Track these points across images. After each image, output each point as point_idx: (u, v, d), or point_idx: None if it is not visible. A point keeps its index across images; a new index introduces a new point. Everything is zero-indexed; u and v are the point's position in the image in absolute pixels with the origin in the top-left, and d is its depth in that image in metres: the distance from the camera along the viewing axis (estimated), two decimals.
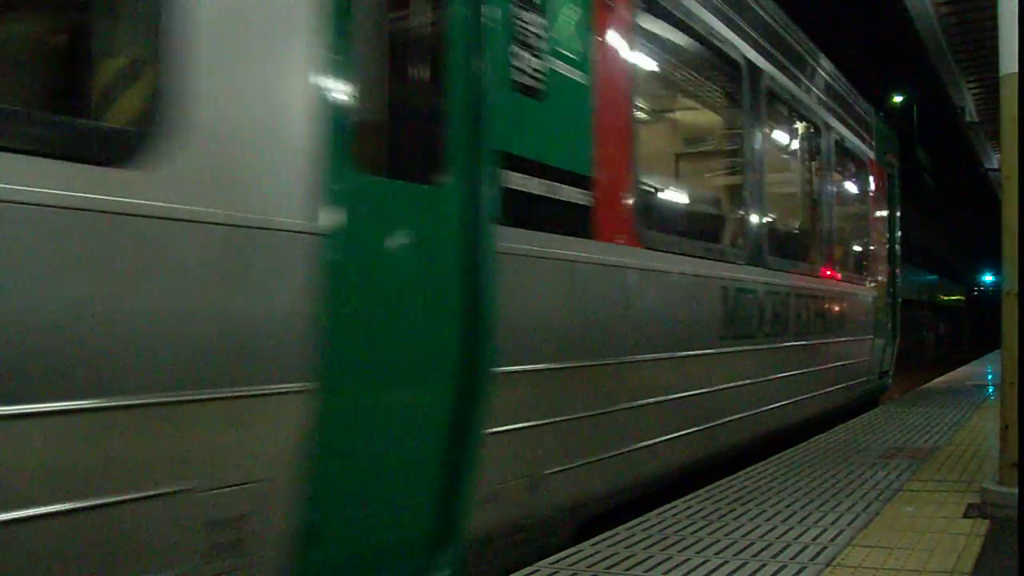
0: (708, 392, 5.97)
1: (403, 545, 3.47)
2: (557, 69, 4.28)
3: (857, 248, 11.04)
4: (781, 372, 7.52)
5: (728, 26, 6.56)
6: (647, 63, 5.63)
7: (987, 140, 19.34)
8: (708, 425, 6.00)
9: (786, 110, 8.29)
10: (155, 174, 2.48)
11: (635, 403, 4.94)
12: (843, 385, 9.75)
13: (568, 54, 4.37)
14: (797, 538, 4.09)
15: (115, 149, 2.43)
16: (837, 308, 9.49)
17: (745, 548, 3.93)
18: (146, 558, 2.49)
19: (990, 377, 13.81)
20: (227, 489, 2.69)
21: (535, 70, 4.10)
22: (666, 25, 5.74)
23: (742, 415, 6.62)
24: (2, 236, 2.17)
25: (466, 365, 3.66)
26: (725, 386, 6.30)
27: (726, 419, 6.33)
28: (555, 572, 3.61)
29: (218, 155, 2.67)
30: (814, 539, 4.06)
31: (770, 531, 4.23)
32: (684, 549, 3.93)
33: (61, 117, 2.48)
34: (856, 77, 11.00)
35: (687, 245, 5.81)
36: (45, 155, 2.25)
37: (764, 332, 7.05)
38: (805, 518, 4.49)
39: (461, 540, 3.64)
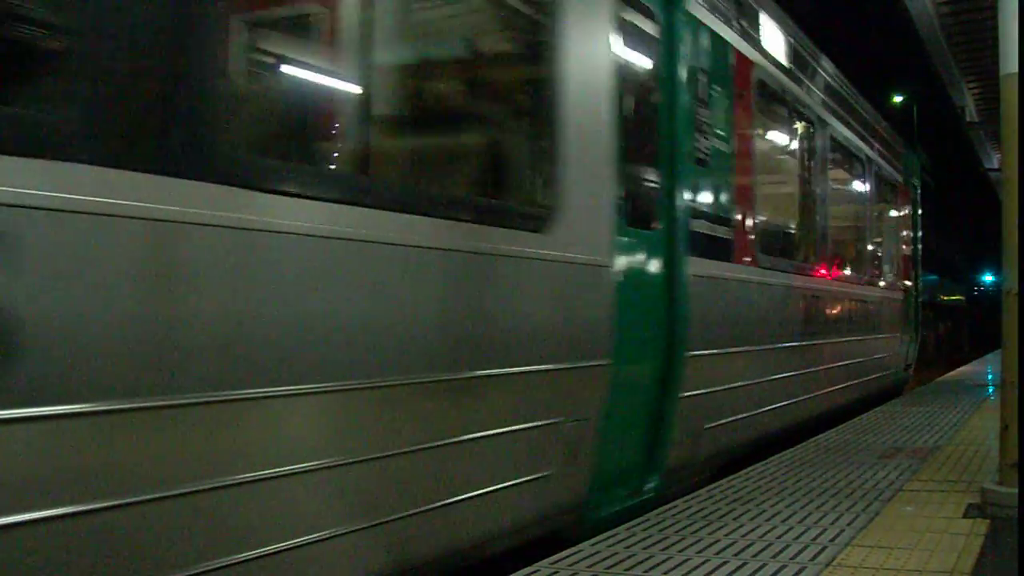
0: (797, 374, 7.93)
1: (635, 469, 5.27)
2: (714, 145, 6.24)
3: (892, 258, 13.10)
4: (842, 361, 9.61)
5: (808, 95, 8.93)
6: (762, 133, 7.86)
7: (987, 140, 19.34)
8: (798, 399, 7.98)
9: (845, 153, 10.58)
10: (552, 236, 4.29)
11: (753, 381, 6.85)
12: (882, 374, 11.83)
13: (720, 133, 6.36)
14: (797, 538, 4.09)
15: (540, 221, 4.24)
16: (880, 310, 11.79)
17: (745, 548, 3.93)
18: (545, 459, 4.28)
19: (990, 377, 13.81)
20: (574, 422, 4.45)
21: (704, 148, 6.08)
22: (773, 105, 8.05)
23: (816, 393, 8.62)
24: (482, 283, 3.88)
25: (670, 350, 5.50)
26: (807, 370, 8.26)
27: (807, 395, 8.29)
28: (555, 572, 3.61)
29: (575, 222, 4.46)
30: (814, 539, 4.07)
31: (770, 531, 4.23)
32: (684, 549, 3.93)
33: (522, 205, 4.44)
34: (856, 77, 11.01)
35: (789, 264, 8.07)
36: (504, 226, 4.00)
37: (833, 330, 9.30)
38: (805, 518, 4.49)
39: (662, 470, 5.44)
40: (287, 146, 3.64)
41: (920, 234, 15.18)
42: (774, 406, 7.30)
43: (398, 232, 3.34)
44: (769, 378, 7.17)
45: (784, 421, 7.65)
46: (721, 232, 6.27)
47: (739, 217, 6.65)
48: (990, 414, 8.37)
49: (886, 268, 12.59)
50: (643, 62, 5.49)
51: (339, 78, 4.12)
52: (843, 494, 5.07)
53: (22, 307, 2.14)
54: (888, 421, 8.47)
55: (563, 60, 4.43)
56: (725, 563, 3.71)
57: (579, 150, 4.53)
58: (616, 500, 5.01)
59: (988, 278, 53.94)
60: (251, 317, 2.73)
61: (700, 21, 6.05)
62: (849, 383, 9.92)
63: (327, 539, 3.02)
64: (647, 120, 5.52)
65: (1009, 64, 4.51)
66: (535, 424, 4.16)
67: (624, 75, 5.06)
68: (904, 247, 13.94)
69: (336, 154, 4.11)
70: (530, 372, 4.10)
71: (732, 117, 6.63)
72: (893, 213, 13.40)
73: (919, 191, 15.08)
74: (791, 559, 3.74)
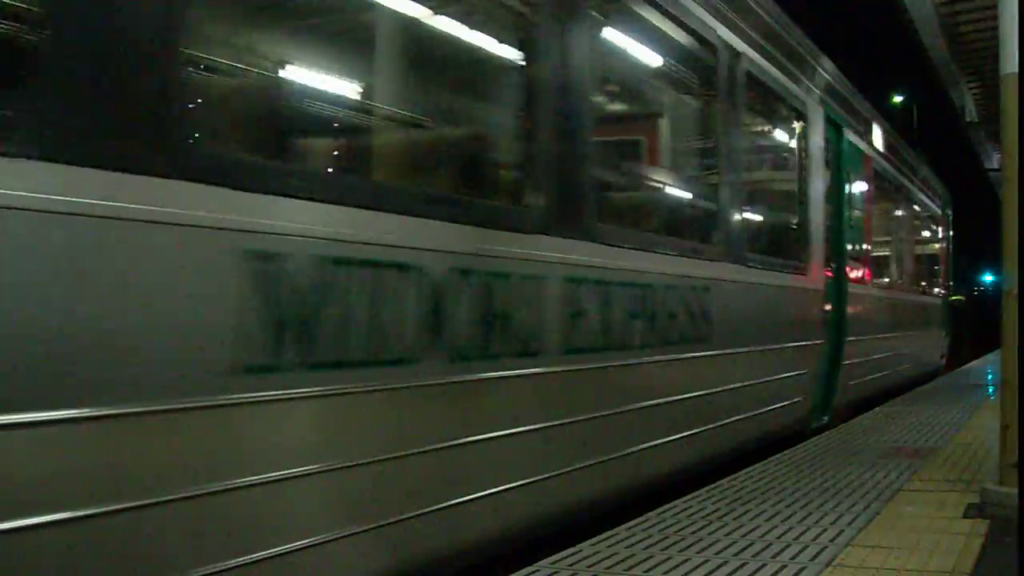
0: (891, 355, 12.07)
1: (823, 404, 8.89)
2: (857, 214, 10.67)
3: (936, 273, 18.14)
4: (911, 348, 13.89)
5: (896, 170, 13.69)
6: (875, 202, 12.15)
7: (987, 140, 19.33)
8: (885, 373, 11.73)
9: (913, 203, 15.44)
10: (807, 276, 8.32)
11: (868, 357, 10.58)
12: (929, 361, 15.94)
13: (859, 206, 10.81)
14: (797, 538, 4.09)
15: (803, 269, 8.25)
16: (931, 313, 16.50)
17: (745, 548, 3.93)
18: (798, 392, 8.02)
19: (990, 377, 13.81)
20: (807, 374, 8.24)
21: (853, 216, 10.35)
22: (881, 183, 12.61)
23: (900, 367, 12.84)
24: (786, 303, 7.98)
25: (838, 335, 9.24)
26: (890, 354, 12.01)
27: (890, 371, 12.08)
28: (555, 572, 3.61)
29: (812, 268, 8.48)
30: (814, 539, 4.07)
31: (770, 531, 4.23)
32: (684, 549, 3.93)
33: (799, 262, 8.30)
34: (856, 77, 11.01)
35: (889, 283, 13.15)
36: (795, 273, 8.16)
37: (907, 326, 13.77)
38: (805, 518, 4.49)
39: (831, 409, 9.09)
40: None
41: (951, 250, 20.10)
42: (881, 372, 11.46)
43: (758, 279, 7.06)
44: (879, 355, 11.20)
45: (888, 383, 11.88)
46: (858, 268, 10.45)
47: (866, 257, 11.00)
48: (990, 414, 8.37)
49: (936, 279, 17.84)
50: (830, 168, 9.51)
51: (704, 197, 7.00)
52: (843, 494, 5.07)
53: None
54: (888, 421, 8.47)
55: (811, 171, 8.69)
56: (725, 563, 3.71)
57: (815, 227, 8.57)
58: (817, 420, 8.66)
59: (988, 278, 53.86)
60: None
61: (850, 140, 10.23)
62: (916, 363, 14.31)
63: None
64: (832, 203, 9.32)
65: (1009, 64, 4.51)
66: (796, 372, 7.86)
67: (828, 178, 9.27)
68: (943, 263, 18.79)
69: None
70: (799, 346, 8.00)
71: (864, 195, 11.09)
72: (938, 238, 18.60)
73: (950, 217, 19.73)
74: (791, 559, 3.74)
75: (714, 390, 6.14)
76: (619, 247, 4.97)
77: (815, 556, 3.77)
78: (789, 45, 8.08)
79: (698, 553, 3.86)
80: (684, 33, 6.01)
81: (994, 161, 20.34)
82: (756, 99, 7.64)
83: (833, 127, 9.57)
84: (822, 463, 6.14)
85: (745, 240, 6.87)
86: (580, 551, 3.91)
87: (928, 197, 16.93)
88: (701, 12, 6.06)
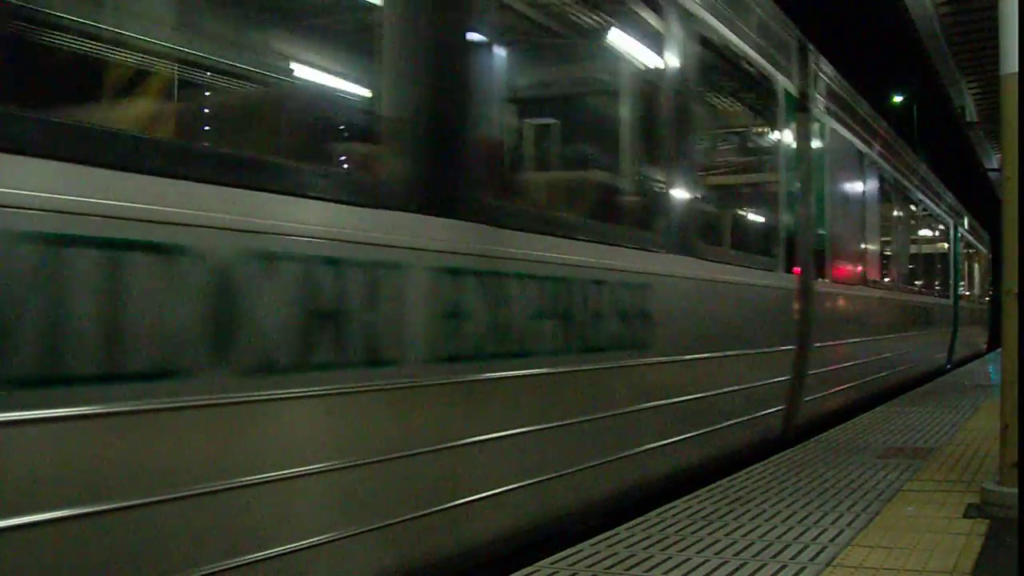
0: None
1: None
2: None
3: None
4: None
5: (936, 200, 16.63)
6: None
7: (987, 140, 19.33)
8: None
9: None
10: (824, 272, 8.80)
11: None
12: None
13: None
14: (797, 538, 4.09)
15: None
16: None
17: (745, 548, 3.93)
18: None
19: (993, 379, 13.80)
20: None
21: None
22: (934, 225, 17.42)
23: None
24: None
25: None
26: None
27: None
28: (555, 572, 3.61)
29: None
30: (814, 539, 4.06)
31: (770, 531, 4.23)
32: (684, 549, 3.93)
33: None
34: (856, 77, 11.01)
35: (913, 288, 14.47)
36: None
37: (930, 324, 15.67)
38: (805, 518, 4.49)
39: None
40: None
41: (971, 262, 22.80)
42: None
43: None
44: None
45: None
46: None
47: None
48: (990, 414, 8.37)
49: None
50: None
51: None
52: (843, 494, 5.07)
53: None
54: (888, 421, 8.47)
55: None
56: (725, 563, 3.71)
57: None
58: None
59: None
60: None
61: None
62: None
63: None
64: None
65: (1009, 64, 4.51)
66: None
67: None
68: (968, 272, 21.82)
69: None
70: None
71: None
72: (942, 234, 18.91)
73: (965, 218, 21.63)
74: (791, 559, 3.74)
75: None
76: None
77: (815, 556, 3.77)
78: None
79: (698, 553, 3.86)
80: None
81: (994, 161, 20.32)
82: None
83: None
84: (822, 463, 6.14)
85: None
86: (580, 551, 3.91)
87: (930, 196, 16.76)
88: None
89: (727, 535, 4.16)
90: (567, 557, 3.81)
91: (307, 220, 2.93)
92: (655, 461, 5.26)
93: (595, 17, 5.66)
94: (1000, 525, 4.25)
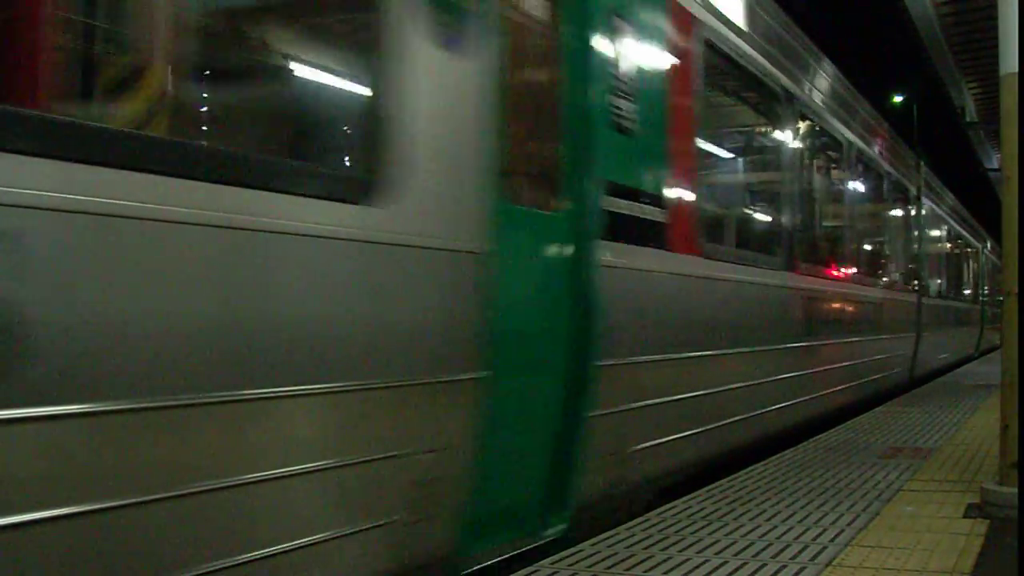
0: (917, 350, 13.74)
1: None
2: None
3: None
4: (953, 344, 17.87)
5: (965, 225, 20.99)
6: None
7: (987, 140, 19.34)
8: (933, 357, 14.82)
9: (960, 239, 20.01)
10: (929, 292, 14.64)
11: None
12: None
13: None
14: (797, 538, 4.09)
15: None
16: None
17: (745, 548, 3.93)
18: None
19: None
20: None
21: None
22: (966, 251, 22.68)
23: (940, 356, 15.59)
24: None
25: (919, 331, 13.76)
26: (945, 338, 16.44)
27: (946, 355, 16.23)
28: (555, 572, 3.61)
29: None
30: (814, 539, 4.06)
31: (770, 531, 4.23)
32: (684, 549, 3.93)
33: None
34: (856, 77, 11.01)
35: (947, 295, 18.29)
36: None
37: (961, 323, 19.01)
38: (805, 518, 4.49)
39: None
40: None
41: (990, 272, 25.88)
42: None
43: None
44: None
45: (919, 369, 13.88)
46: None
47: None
48: (990, 414, 8.37)
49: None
50: None
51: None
52: (843, 494, 5.07)
53: None
54: (888, 421, 8.47)
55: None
56: (725, 563, 3.71)
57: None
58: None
59: None
60: None
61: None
62: (954, 351, 18.11)
63: None
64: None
65: (1009, 64, 4.51)
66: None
67: None
68: (988, 281, 24.81)
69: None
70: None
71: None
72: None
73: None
74: (791, 559, 3.74)
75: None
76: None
77: (815, 556, 3.77)
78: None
79: (698, 553, 3.86)
80: None
81: (994, 161, 20.34)
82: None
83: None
84: (822, 463, 6.14)
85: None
86: (580, 551, 3.91)
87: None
88: None
89: (727, 535, 4.16)
90: (567, 557, 3.81)
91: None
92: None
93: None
94: (1000, 525, 4.25)
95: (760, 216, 8.34)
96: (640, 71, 5.02)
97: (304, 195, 2.88)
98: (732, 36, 6.59)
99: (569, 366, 4.40)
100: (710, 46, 6.12)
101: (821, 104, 9.08)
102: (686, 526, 4.35)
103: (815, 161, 9.46)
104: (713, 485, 5.38)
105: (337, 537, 3.01)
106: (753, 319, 6.87)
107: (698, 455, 5.86)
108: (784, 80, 7.71)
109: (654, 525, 4.38)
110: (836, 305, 9.52)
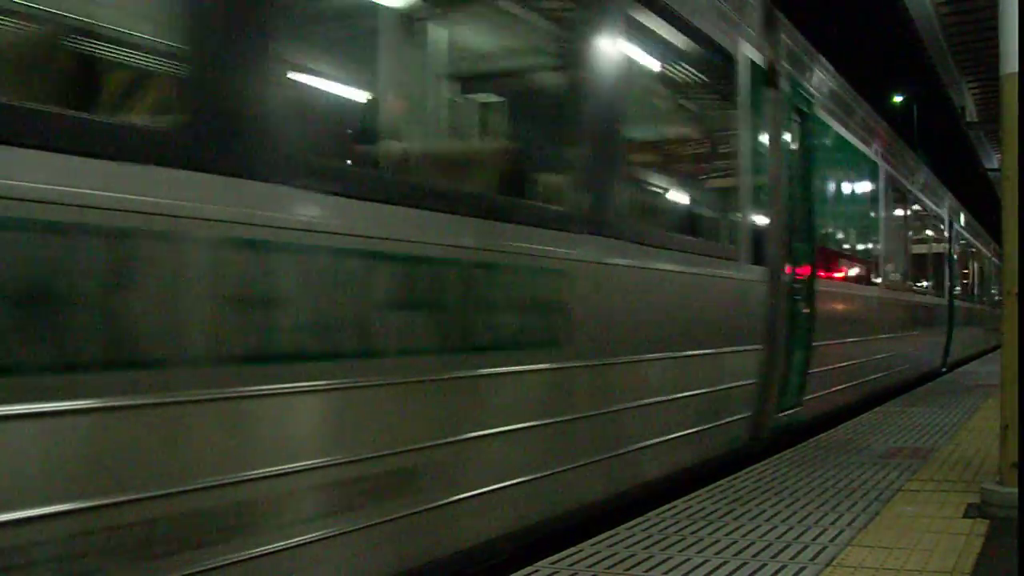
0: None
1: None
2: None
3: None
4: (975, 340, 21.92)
5: (977, 236, 23.69)
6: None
7: (987, 140, 19.34)
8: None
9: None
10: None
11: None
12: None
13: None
14: (797, 538, 4.09)
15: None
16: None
17: (745, 548, 3.93)
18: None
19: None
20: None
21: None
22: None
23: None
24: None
25: (952, 322, 17.77)
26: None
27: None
28: (555, 572, 3.61)
29: None
30: (814, 539, 4.07)
31: (770, 531, 4.23)
32: (684, 549, 3.93)
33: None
34: (856, 77, 11.01)
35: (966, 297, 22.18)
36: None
37: (981, 325, 22.86)
38: (805, 518, 4.49)
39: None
40: None
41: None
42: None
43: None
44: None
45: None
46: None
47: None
48: (990, 414, 8.37)
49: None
50: None
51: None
52: (843, 494, 5.07)
53: None
54: (888, 421, 8.47)
55: None
56: (725, 563, 3.71)
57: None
58: None
59: None
60: None
61: None
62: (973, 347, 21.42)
63: None
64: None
65: (1009, 64, 4.51)
66: None
67: None
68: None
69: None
70: None
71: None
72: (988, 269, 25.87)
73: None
74: (791, 559, 3.74)
75: None
76: None
77: (815, 556, 3.77)
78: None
79: (698, 553, 3.86)
80: None
81: (994, 161, 20.36)
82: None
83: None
84: (822, 463, 6.14)
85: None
86: (580, 551, 3.91)
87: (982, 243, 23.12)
88: None
89: (727, 535, 4.16)
90: (567, 557, 3.81)
91: None
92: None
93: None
94: (1000, 525, 4.25)
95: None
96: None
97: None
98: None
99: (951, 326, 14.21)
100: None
101: (918, 189, 15.06)
102: (686, 526, 4.35)
103: (918, 230, 15.86)
104: (713, 485, 5.38)
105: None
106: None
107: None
108: (906, 185, 13.85)
109: (654, 525, 4.38)
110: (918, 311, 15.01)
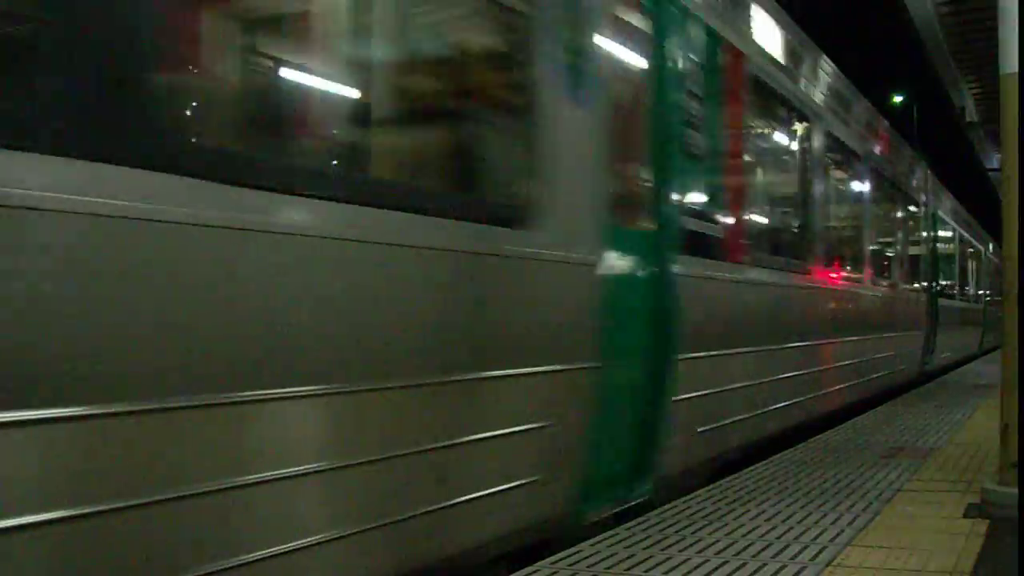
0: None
1: None
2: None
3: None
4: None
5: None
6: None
7: (987, 140, 19.35)
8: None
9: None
10: None
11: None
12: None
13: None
14: (797, 538, 4.09)
15: None
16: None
17: (745, 548, 3.93)
18: None
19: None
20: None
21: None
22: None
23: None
24: None
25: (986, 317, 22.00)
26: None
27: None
28: (555, 572, 3.61)
29: None
30: (814, 539, 4.07)
31: (770, 531, 4.23)
32: (684, 549, 3.93)
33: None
34: (856, 77, 11.01)
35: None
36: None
37: (986, 324, 21.91)
38: (805, 518, 4.49)
39: None
40: None
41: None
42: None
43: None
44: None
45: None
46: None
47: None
48: (990, 414, 8.37)
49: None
50: None
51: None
52: (843, 494, 5.07)
53: None
54: (888, 421, 8.47)
55: None
56: (725, 563, 3.71)
57: None
58: None
59: None
60: None
61: None
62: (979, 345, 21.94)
63: None
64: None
65: (1009, 64, 4.50)
66: None
67: None
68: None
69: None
70: None
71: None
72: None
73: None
74: (791, 559, 3.74)
75: None
76: None
77: (815, 556, 3.77)
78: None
79: (698, 553, 3.86)
80: None
81: (994, 161, 20.37)
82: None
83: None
84: (822, 463, 6.14)
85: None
86: (580, 551, 3.91)
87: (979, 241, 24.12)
88: None
89: (727, 535, 4.16)
90: (567, 557, 3.81)
91: None
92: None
93: None
94: (1000, 525, 4.25)
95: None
96: None
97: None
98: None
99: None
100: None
101: (944, 213, 16.47)
102: (686, 526, 4.35)
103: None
104: (713, 485, 5.38)
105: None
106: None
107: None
108: (925, 198, 14.83)
109: (654, 525, 4.38)
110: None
